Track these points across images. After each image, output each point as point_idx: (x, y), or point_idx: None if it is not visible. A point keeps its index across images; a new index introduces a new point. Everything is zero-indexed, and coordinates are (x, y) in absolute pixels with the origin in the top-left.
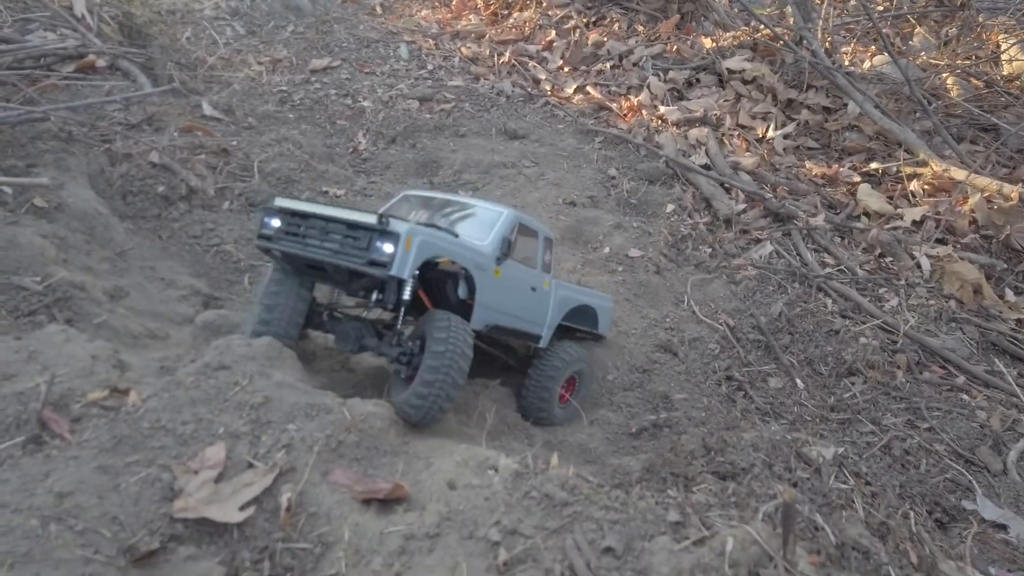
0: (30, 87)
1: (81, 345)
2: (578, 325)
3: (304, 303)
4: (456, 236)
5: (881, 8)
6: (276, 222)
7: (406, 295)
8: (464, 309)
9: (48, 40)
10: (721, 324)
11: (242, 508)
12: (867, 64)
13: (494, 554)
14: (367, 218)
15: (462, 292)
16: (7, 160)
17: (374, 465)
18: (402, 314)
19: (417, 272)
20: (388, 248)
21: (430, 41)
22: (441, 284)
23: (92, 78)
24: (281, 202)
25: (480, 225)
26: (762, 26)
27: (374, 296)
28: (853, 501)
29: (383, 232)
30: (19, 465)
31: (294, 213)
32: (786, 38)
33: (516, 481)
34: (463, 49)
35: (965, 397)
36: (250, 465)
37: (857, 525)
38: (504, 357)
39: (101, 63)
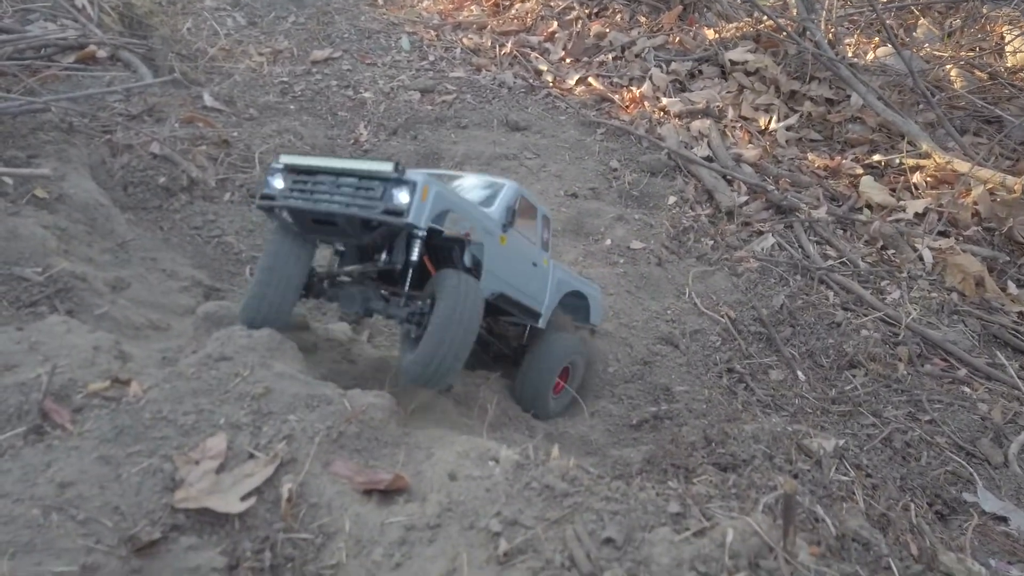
0: (31, 77)
1: (82, 336)
2: (572, 313)
3: (304, 270)
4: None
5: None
6: (279, 182)
7: (415, 255)
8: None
9: (49, 30)
10: (723, 316)
11: (243, 499)
12: (870, 56)
13: (494, 545)
14: (382, 167)
15: (468, 259)
16: (8, 151)
17: (375, 456)
18: (410, 274)
19: (423, 235)
20: (404, 197)
21: (431, 32)
22: (447, 251)
23: (93, 69)
24: (287, 159)
25: (485, 195)
26: (765, 17)
27: (383, 257)
28: (854, 493)
29: (399, 181)
30: (20, 455)
31: (301, 170)
32: (789, 29)
33: (517, 472)
34: (465, 40)
35: (966, 390)
36: (251, 456)
37: (858, 517)
38: (498, 344)
39: (102, 54)
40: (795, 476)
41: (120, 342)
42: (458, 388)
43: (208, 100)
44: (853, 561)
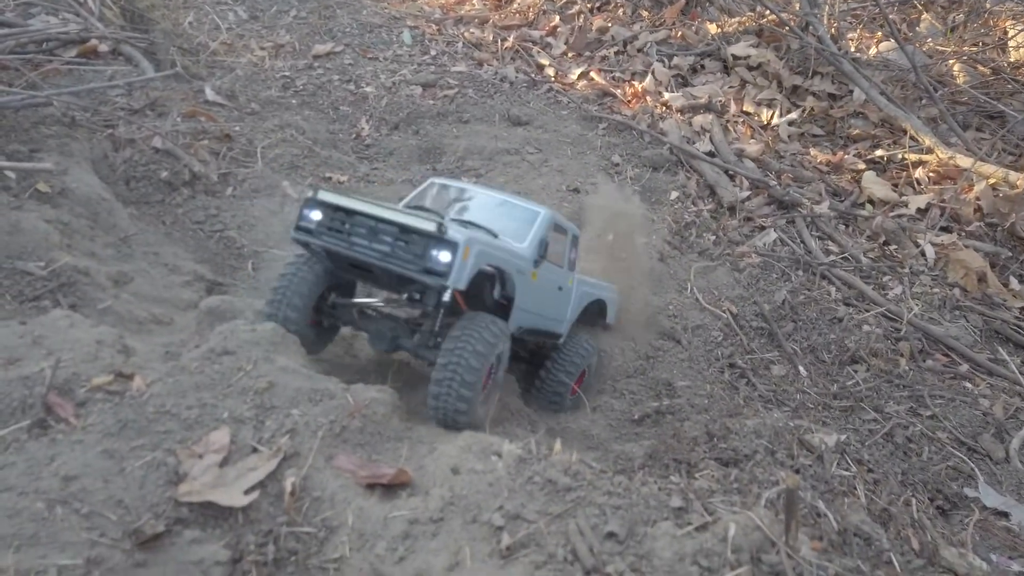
0: (32, 72)
1: (86, 330)
2: (591, 318)
3: (315, 289)
4: (495, 236)
5: None
6: (317, 214)
7: (446, 297)
8: (499, 310)
9: (50, 24)
10: (724, 311)
11: (246, 492)
12: (873, 50)
13: (497, 539)
14: (426, 225)
15: (497, 293)
16: (10, 145)
17: (378, 451)
18: (440, 316)
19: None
20: (445, 257)
21: (433, 26)
22: (478, 285)
23: (94, 63)
24: (324, 196)
25: (518, 224)
26: (768, 12)
27: (411, 296)
28: (855, 488)
29: (440, 240)
30: (25, 449)
31: (338, 208)
32: (792, 24)
33: (519, 466)
34: (466, 34)
35: (968, 385)
36: (254, 450)
37: (859, 512)
38: (517, 349)
39: (103, 48)
40: (797, 471)
41: (123, 336)
42: None
43: (210, 94)
44: (855, 555)
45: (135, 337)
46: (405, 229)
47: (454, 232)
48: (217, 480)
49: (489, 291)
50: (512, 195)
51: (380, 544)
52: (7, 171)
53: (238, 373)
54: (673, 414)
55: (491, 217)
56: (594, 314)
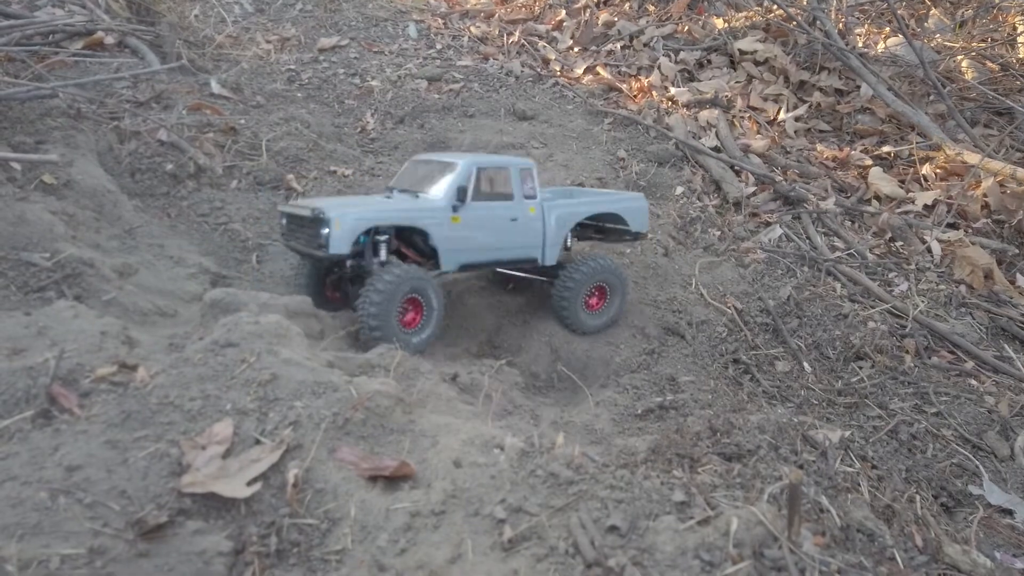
0: (38, 63)
1: (90, 321)
2: (606, 226)
3: (316, 276)
4: (417, 196)
5: None
6: (283, 222)
7: (382, 256)
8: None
9: (57, 16)
10: (729, 307)
11: (249, 484)
12: (880, 46)
13: (499, 531)
14: (305, 212)
15: (432, 242)
16: (16, 136)
17: (380, 443)
18: (374, 272)
19: (385, 237)
20: (325, 231)
21: (439, 20)
22: (412, 239)
23: (100, 55)
24: (282, 207)
25: (440, 179)
26: (775, 6)
27: (348, 264)
28: (859, 484)
29: (318, 220)
30: (28, 439)
31: (288, 216)
32: (799, 18)
33: (522, 460)
34: (472, 28)
35: (973, 382)
36: (257, 441)
37: (862, 508)
38: (531, 276)
39: (109, 40)
40: (800, 467)
41: (127, 328)
42: (463, 377)
43: (215, 87)
44: (857, 551)
45: (139, 329)
46: (305, 219)
47: (329, 210)
48: (220, 471)
49: (424, 242)
50: (447, 154)
51: (382, 536)
52: (13, 162)
53: (241, 365)
54: (676, 409)
55: (424, 180)
56: (617, 224)
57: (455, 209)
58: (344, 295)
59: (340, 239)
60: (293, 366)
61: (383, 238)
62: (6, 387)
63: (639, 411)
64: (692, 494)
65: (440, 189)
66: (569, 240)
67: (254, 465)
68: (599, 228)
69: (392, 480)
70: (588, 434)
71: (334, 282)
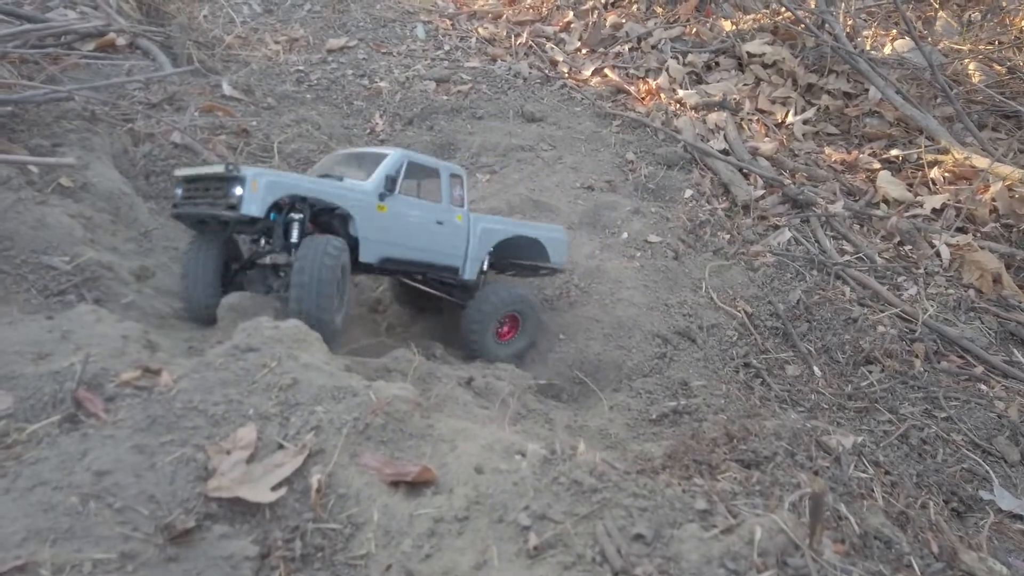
0: (52, 65)
1: (111, 325)
2: (526, 259)
3: (216, 262)
4: (340, 180)
5: None
6: (179, 190)
7: (294, 238)
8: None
9: (70, 19)
10: (739, 311)
11: (273, 488)
12: (888, 48)
13: (524, 538)
14: (218, 168)
15: (352, 230)
16: (33, 139)
17: (400, 448)
18: (291, 251)
19: (300, 216)
20: (238, 191)
21: (447, 21)
22: (330, 224)
23: (112, 57)
24: (179, 171)
25: (369, 167)
26: (783, 9)
27: (262, 242)
28: (872, 490)
29: (232, 178)
30: (57, 443)
31: (187, 179)
32: (808, 21)
33: (544, 467)
34: (480, 30)
35: (983, 387)
36: (280, 446)
37: (878, 514)
38: (444, 296)
39: (121, 41)
40: (816, 473)
41: (148, 331)
42: (478, 381)
43: (227, 89)
44: (875, 559)
45: (158, 332)
46: (212, 178)
47: (244, 169)
48: (244, 476)
49: (343, 227)
50: (379, 147)
51: (406, 541)
52: (30, 166)
53: (262, 370)
54: (690, 414)
55: (349, 168)
56: (533, 256)
57: (382, 198)
58: (237, 287)
59: (253, 200)
60: (313, 371)
61: (297, 216)
62: (33, 392)
63: (653, 416)
64: (714, 502)
65: (367, 176)
66: (485, 264)
67: (278, 470)
68: (516, 261)
69: (414, 485)
70: (603, 439)
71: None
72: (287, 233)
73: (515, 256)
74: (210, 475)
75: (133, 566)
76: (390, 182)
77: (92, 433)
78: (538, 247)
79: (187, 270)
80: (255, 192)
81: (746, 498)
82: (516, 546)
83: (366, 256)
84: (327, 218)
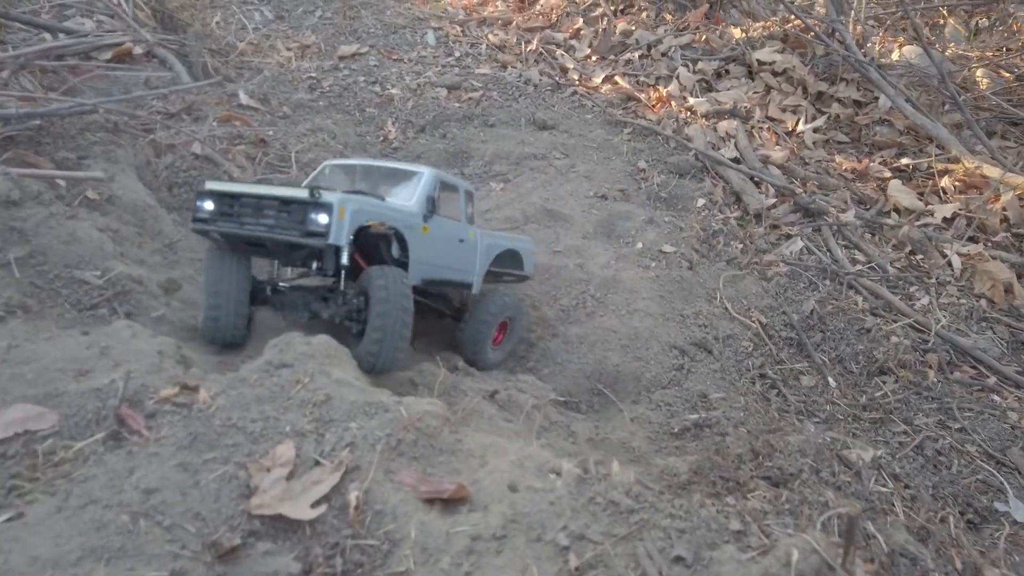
0: (75, 77)
1: (146, 340)
2: (506, 268)
3: (247, 282)
4: (383, 200)
5: None
6: (209, 204)
7: (344, 260)
8: (401, 267)
9: (87, 27)
10: (754, 321)
11: (313, 505)
12: (895, 55)
13: (564, 559)
14: (299, 193)
15: (395, 252)
16: (59, 152)
17: (432, 464)
18: (343, 277)
19: (352, 237)
20: (323, 219)
21: (457, 28)
22: (375, 247)
23: (134, 68)
24: (212, 185)
25: (404, 186)
26: (792, 16)
27: (314, 266)
28: (893, 504)
29: (316, 204)
30: (103, 461)
31: (225, 195)
32: (817, 29)
33: (580, 486)
34: (490, 36)
35: (996, 398)
36: (316, 463)
37: (901, 531)
38: (440, 308)
39: (138, 51)
40: (838, 488)
41: (181, 346)
42: (501, 394)
43: (243, 98)
44: None
45: (188, 346)
46: (284, 200)
47: (327, 195)
48: (285, 493)
49: (387, 250)
50: (397, 162)
51: (445, 559)
52: (58, 179)
53: (296, 386)
54: (711, 427)
55: (380, 185)
56: (512, 266)
57: (425, 219)
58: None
59: (341, 228)
60: (345, 387)
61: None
62: (77, 409)
63: (675, 429)
64: (747, 522)
65: (408, 196)
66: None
67: (316, 487)
68: (497, 271)
69: (449, 502)
70: (625, 452)
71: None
72: (338, 256)
73: (498, 267)
74: (252, 492)
75: None
76: (431, 203)
77: (137, 451)
78: (516, 257)
79: (214, 291)
80: (342, 220)
81: (776, 517)
82: (556, 566)
83: (413, 278)
84: (369, 240)
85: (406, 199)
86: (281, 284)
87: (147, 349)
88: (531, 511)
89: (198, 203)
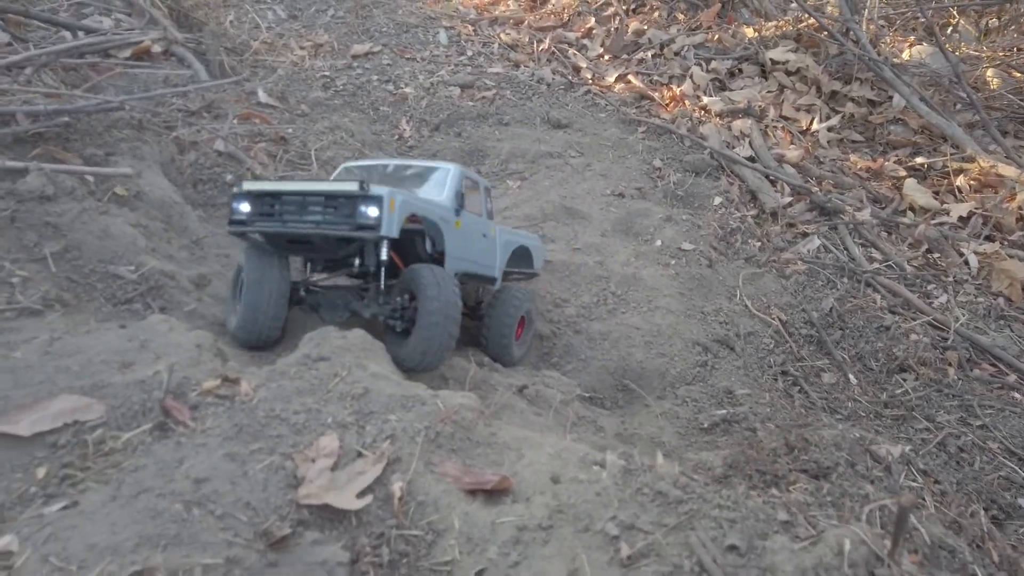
0: (98, 74)
1: (183, 334)
2: (519, 265)
3: (287, 283)
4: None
5: None
6: (246, 206)
7: (384, 255)
8: (434, 262)
9: (105, 25)
10: (774, 318)
11: (359, 496)
12: (906, 54)
13: (615, 547)
14: (348, 187)
15: (430, 247)
16: (87, 148)
17: (470, 456)
18: (383, 273)
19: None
20: (373, 212)
21: (469, 27)
22: (409, 242)
23: (152, 64)
24: (249, 185)
25: (431, 182)
26: (806, 15)
27: (356, 263)
28: (924, 499)
29: (366, 197)
30: (152, 451)
31: (265, 194)
32: (831, 28)
33: (626, 477)
34: (502, 35)
35: (1016, 395)
36: (359, 454)
37: (937, 524)
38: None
39: (157, 49)
40: (872, 482)
41: (216, 340)
42: (529, 389)
43: (262, 96)
44: (943, 568)
45: (221, 340)
46: (331, 195)
47: (376, 188)
48: (330, 484)
49: (422, 246)
50: (419, 159)
51: (491, 549)
52: (87, 175)
53: (334, 379)
54: (739, 422)
55: (408, 181)
56: (523, 263)
57: (456, 213)
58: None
59: (392, 220)
60: (382, 380)
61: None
62: (123, 400)
63: (704, 424)
64: (793, 513)
65: (438, 191)
66: None
67: (360, 478)
68: (509, 269)
69: (491, 494)
70: (656, 447)
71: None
72: (377, 252)
73: (512, 263)
74: (299, 483)
75: (239, 571)
76: (460, 198)
77: (185, 441)
78: (528, 254)
79: (255, 291)
80: (392, 212)
81: (820, 509)
82: (607, 555)
83: (449, 271)
84: (403, 235)
85: (436, 194)
86: (317, 284)
87: (185, 343)
88: (577, 502)
89: (234, 205)
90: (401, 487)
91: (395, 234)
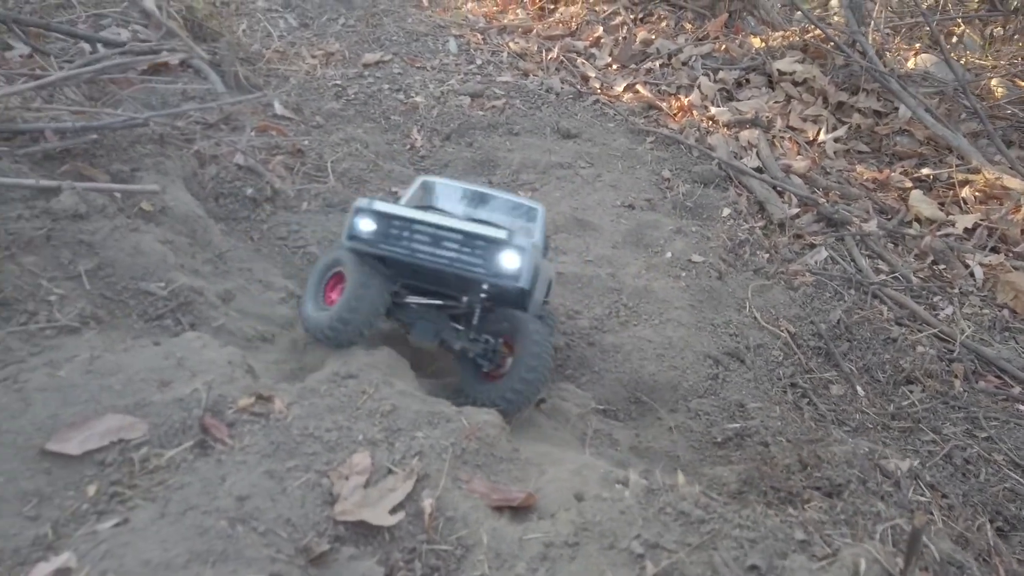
0: (120, 88)
1: (216, 350)
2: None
3: (388, 295)
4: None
5: (927, 5)
6: (370, 224)
7: (484, 295)
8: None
9: (123, 37)
10: (782, 330)
11: (392, 512)
12: (910, 63)
13: (640, 566)
14: (497, 233)
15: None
16: (113, 164)
17: (494, 472)
18: (479, 310)
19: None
20: (515, 262)
21: (478, 35)
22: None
23: (170, 77)
24: (379, 206)
25: (524, 220)
26: (812, 26)
27: (463, 299)
28: (932, 513)
29: (509, 245)
30: (194, 469)
31: (396, 217)
32: (837, 39)
33: (649, 496)
34: (511, 44)
35: (1021, 407)
36: (390, 471)
37: (945, 539)
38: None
39: (174, 61)
40: (882, 499)
41: (247, 356)
42: (547, 403)
43: (278, 108)
44: None
45: (249, 356)
46: (472, 236)
47: (519, 239)
48: (364, 500)
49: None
50: (504, 191)
51: (520, 564)
52: (115, 192)
53: (362, 396)
54: (751, 436)
55: (500, 215)
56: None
57: (544, 255)
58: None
59: (530, 273)
60: (408, 397)
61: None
62: (164, 419)
63: (718, 439)
64: (810, 532)
65: (529, 232)
66: None
67: (392, 494)
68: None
69: (517, 510)
70: (671, 461)
71: None
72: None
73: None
74: (334, 499)
75: None
76: (547, 243)
77: (225, 459)
78: (550, 286)
79: (357, 295)
80: (531, 264)
81: (833, 527)
82: (632, 573)
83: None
84: None
85: (527, 235)
86: (411, 299)
87: (218, 360)
88: (601, 520)
89: (355, 220)
90: (431, 503)
91: (530, 286)
